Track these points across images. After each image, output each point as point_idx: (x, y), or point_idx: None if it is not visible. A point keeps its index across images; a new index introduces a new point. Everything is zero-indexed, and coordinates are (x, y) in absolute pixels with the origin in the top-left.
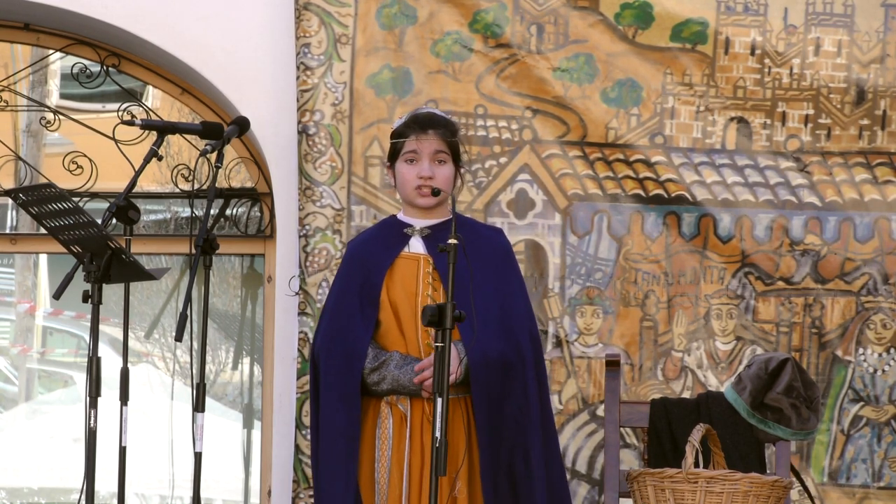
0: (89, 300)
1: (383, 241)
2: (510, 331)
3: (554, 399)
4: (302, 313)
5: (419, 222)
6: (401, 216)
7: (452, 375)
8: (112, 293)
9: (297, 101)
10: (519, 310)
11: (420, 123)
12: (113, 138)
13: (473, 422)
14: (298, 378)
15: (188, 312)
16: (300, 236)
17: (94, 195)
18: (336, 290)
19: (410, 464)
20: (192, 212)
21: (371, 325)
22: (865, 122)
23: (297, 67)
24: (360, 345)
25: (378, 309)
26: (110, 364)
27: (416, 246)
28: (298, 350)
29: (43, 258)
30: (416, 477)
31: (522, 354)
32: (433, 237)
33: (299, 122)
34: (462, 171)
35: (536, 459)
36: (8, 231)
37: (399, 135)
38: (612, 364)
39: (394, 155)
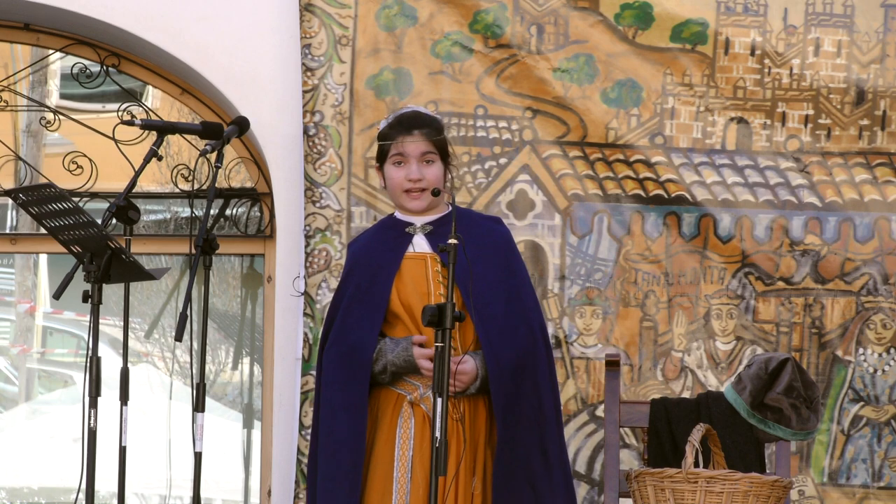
0: (89, 300)
1: (386, 242)
2: (519, 328)
3: None
4: (303, 314)
5: (419, 219)
6: (398, 215)
7: (456, 387)
8: (112, 293)
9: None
10: (527, 303)
11: (405, 125)
12: (113, 138)
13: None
14: (302, 376)
15: (188, 312)
16: (305, 236)
17: (94, 195)
18: (342, 296)
19: None
20: (192, 212)
21: (377, 331)
22: (865, 122)
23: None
24: (366, 355)
25: (384, 313)
26: (110, 364)
27: (421, 245)
28: (302, 353)
29: (43, 258)
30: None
31: (535, 351)
32: (435, 233)
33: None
34: (452, 167)
35: (555, 456)
36: (8, 231)
37: (384, 137)
38: (612, 364)
39: (382, 157)
